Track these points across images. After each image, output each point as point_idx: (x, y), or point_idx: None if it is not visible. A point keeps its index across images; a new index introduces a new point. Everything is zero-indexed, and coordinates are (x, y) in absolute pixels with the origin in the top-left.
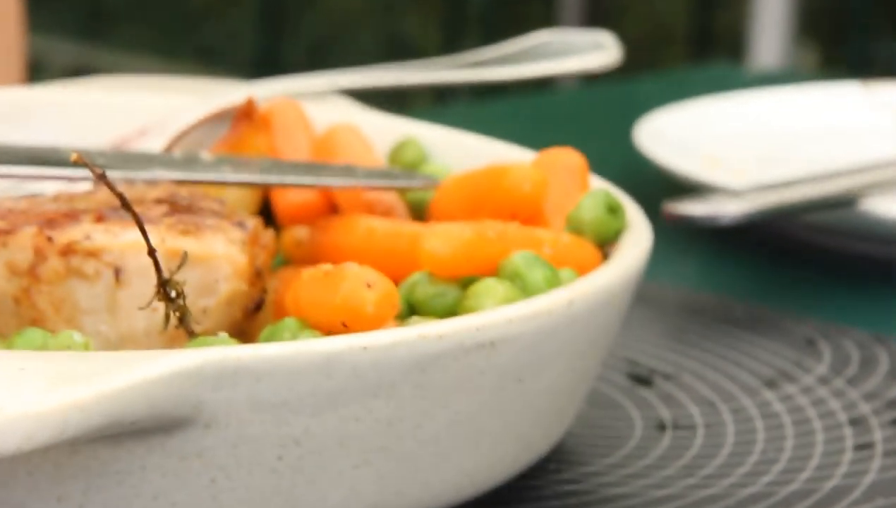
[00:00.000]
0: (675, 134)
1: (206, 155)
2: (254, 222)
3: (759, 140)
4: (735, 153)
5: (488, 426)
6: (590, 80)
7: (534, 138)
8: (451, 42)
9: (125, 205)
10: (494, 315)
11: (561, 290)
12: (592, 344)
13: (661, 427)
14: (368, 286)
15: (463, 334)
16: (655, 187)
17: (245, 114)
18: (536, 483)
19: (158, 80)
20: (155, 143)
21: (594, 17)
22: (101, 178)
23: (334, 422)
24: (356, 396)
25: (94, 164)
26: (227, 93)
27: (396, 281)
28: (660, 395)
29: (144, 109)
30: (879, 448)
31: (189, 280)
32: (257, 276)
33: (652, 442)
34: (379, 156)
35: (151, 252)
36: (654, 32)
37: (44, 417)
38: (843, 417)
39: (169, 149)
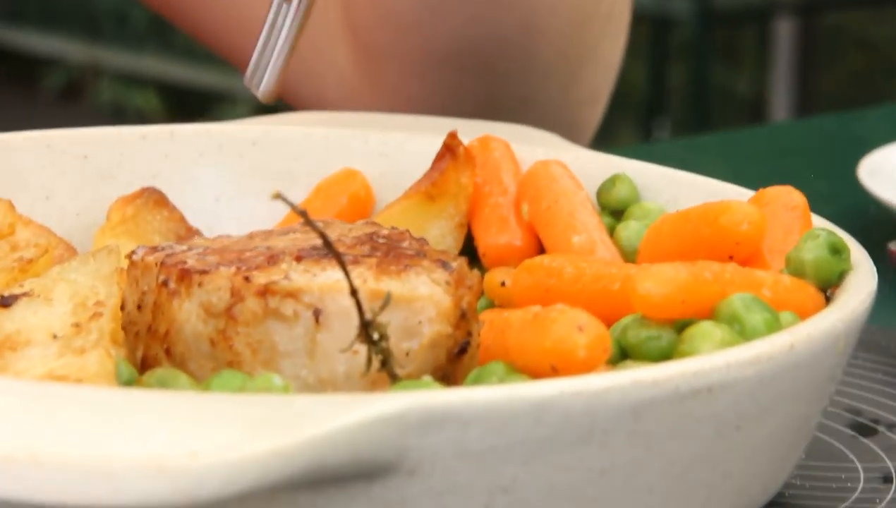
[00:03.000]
0: None
1: None
2: (458, 262)
3: None
4: None
5: (704, 476)
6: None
7: (748, 175)
8: (657, 73)
9: (327, 244)
10: (712, 359)
11: (782, 334)
12: (814, 391)
13: (887, 479)
14: (580, 329)
15: (679, 379)
16: (880, 226)
17: (448, 150)
18: None
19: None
20: None
21: (809, 49)
22: (303, 216)
23: (544, 471)
24: (567, 443)
25: (293, 202)
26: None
27: (607, 324)
28: (884, 446)
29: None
30: None
31: (392, 321)
32: (462, 318)
33: (876, 495)
34: (588, 193)
35: (353, 293)
36: (876, 63)
37: (243, 464)
38: None
39: None
